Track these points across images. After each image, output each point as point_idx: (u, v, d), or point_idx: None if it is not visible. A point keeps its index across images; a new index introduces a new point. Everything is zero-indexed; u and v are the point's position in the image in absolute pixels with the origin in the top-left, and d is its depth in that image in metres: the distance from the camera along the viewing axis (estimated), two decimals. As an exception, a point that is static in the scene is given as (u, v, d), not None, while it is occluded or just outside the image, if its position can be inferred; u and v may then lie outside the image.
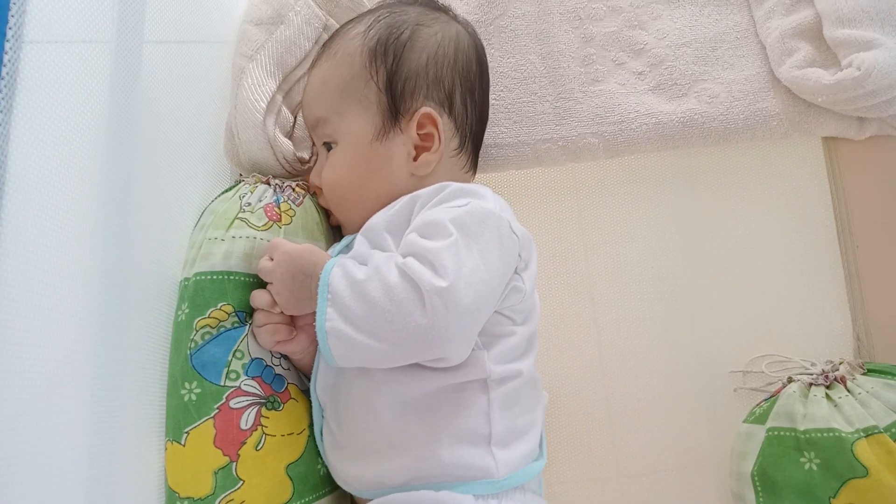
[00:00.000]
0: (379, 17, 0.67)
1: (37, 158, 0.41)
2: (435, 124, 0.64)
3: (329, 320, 0.52)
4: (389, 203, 0.62)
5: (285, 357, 0.62)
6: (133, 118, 0.55)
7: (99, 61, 0.50)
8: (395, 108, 0.64)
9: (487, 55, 0.80)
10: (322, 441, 0.61)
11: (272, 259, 0.58)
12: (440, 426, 0.55)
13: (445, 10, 0.71)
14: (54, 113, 0.43)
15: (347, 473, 0.59)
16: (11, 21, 0.40)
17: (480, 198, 0.58)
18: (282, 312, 0.58)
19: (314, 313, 0.53)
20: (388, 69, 0.64)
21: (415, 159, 0.64)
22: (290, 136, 0.72)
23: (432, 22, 0.67)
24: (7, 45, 0.40)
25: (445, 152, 0.66)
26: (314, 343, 0.59)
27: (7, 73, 0.39)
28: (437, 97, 0.65)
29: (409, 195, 0.61)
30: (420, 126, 0.64)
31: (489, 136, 0.78)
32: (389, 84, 0.64)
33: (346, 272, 0.53)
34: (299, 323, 0.60)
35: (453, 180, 0.63)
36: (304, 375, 0.64)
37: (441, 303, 0.49)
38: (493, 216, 0.56)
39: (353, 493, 0.60)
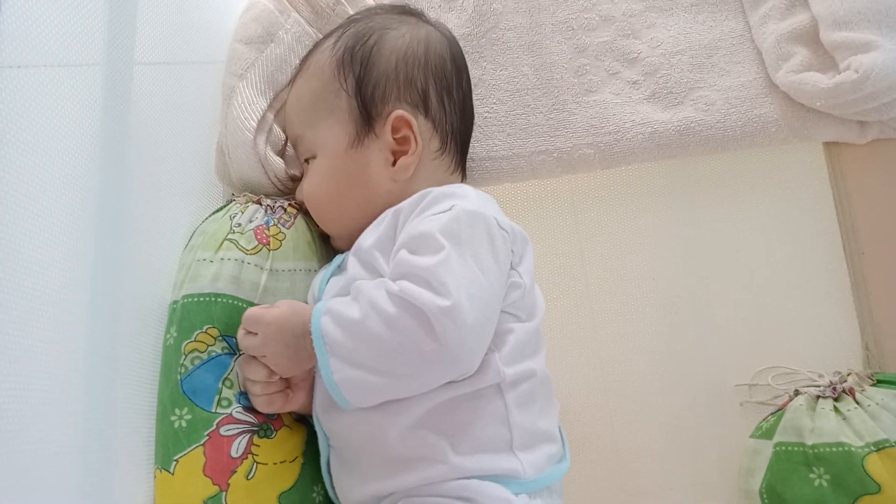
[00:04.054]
0: (347, 28, 0.68)
1: (29, 181, 0.41)
2: (410, 126, 0.63)
3: (336, 372, 0.50)
4: (373, 212, 0.61)
5: None
6: (123, 140, 0.55)
7: (89, 84, 0.50)
8: (367, 113, 0.63)
9: (480, 68, 0.80)
10: (329, 471, 0.59)
11: (255, 333, 0.55)
12: (458, 436, 0.52)
13: (415, 14, 0.70)
14: (44, 137, 0.43)
15: (362, 493, 0.55)
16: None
17: (463, 198, 0.56)
18: (279, 379, 0.56)
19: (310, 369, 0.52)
20: (356, 76, 0.64)
21: (393, 164, 0.63)
22: (281, 154, 0.71)
23: (399, 25, 0.67)
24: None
25: (425, 154, 0.64)
26: (310, 395, 0.58)
27: None
28: (410, 99, 0.64)
29: (393, 209, 0.59)
30: (395, 130, 0.63)
31: (483, 148, 0.77)
32: (359, 90, 0.63)
33: (338, 317, 0.51)
34: (294, 381, 0.57)
35: (439, 183, 0.61)
36: None
37: (450, 322, 0.48)
38: (480, 217, 0.55)
39: None
